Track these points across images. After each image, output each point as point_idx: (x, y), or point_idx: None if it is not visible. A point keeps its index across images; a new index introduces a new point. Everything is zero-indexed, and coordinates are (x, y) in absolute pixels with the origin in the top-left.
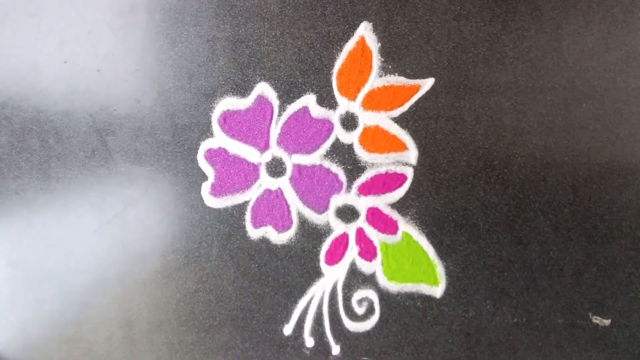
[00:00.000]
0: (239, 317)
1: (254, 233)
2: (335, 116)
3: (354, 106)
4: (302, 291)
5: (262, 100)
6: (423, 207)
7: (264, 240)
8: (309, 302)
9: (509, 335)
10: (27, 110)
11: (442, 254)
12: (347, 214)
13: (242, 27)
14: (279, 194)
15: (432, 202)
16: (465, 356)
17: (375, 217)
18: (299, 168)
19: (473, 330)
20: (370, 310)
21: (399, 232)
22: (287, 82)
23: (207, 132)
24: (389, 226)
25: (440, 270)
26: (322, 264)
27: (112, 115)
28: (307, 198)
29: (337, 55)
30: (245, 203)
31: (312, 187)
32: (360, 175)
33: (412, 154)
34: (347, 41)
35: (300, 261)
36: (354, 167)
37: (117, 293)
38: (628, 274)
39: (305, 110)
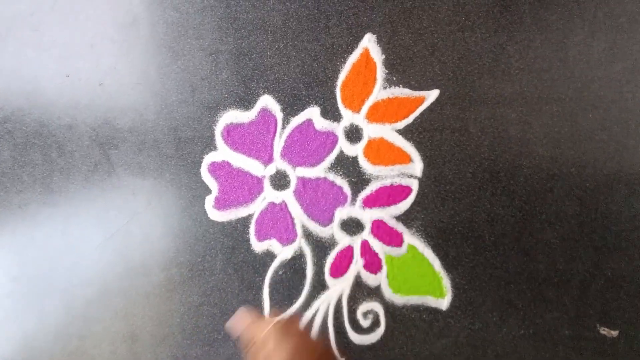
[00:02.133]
0: None
1: (258, 246)
2: (339, 128)
3: (359, 118)
4: (307, 304)
5: (265, 113)
6: (428, 219)
7: (268, 254)
8: (314, 315)
9: (515, 347)
10: (30, 125)
11: (448, 266)
12: (352, 226)
13: (245, 40)
14: (283, 207)
15: (438, 214)
16: None
17: (380, 229)
18: (303, 181)
19: (480, 343)
20: (375, 323)
21: (405, 245)
22: (291, 95)
23: (210, 146)
24: (394, 238)
25: (446, 282)
26: (327, 277)
27: (114, 128)
28: (312, 211)
29: (341, 68)
30: (250, 216)
31: (317, 199)
32: (365, 188)
33: (417, 166)
34: (351, 53)
35: (304, 274)
36: (358, 180)
37: (120, 307)
38: (636, 284)
39: (309, 122)
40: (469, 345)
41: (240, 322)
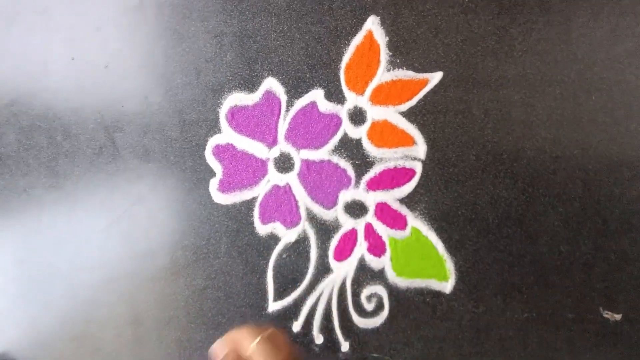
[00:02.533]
0: (248, 314)
1: (262, 229)
2: (343, 111)
3: (362, 101)
4: (311, 288)
5: (269, 95)
6: (432, 201)
7: (272, 237)
8: (318, 299)
9: (519, 330)
10: (35, 108)
11: (451, 249)
12: (356, 209)
13: (250, 22)
14: (287, 189)
15: (441, 196)
16: (475, 352)
17: (384, 212)
18: (307, 163)
19: (483, 326)
20: (379, 306)
21: (408, 227)
22: (295, 77)
23: (215, 128)
24: (397, 221)
25: (449, 265)
26: (331, 260)
27: (120, 111)
28: (316, 193)
29: (345, 50)
30: (254, 199)
31: (321, 182)
32: (368, 170)
33: (420, 149)
34: (354, 35)
35: (308, 257)
36: (362, 162)
37: (125, 290)
38: (639, 268)
39: (313, 105)
40: (472, 329)
41: (222, 346)
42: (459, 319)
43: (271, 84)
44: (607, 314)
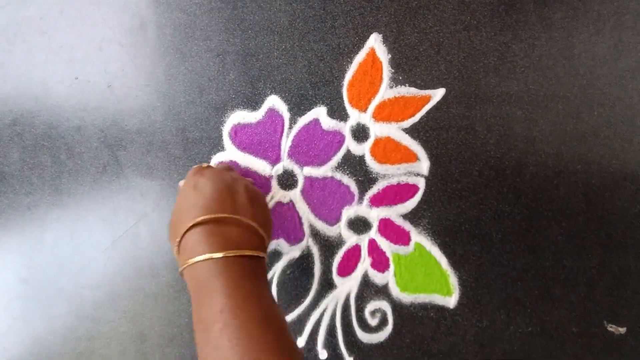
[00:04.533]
0: None
1: None
2: (346, 128)
3: (365, 117)
4: (315, 303)
5: (272, 113)
6: (435, 217)
7: (276, 253)
8: (322, 314)
9: (523, 344)
10: (39, 127)
11: (455, 264)
12: (359, 225)
13: (252, 40)
14: (290, 206)
15: (445, 212)
16: None
17: (388, 228)
18: (310, 180)
19: (487, 340)
20: (383, 322)
21: (412, 243)
22: (298, 95)
23: (218, 146)
24: (401, 237)
25: (453, 280)
26: (335, 276)
27: (123, 130)
28: (319, 210)
29: (348, 67)
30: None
31: (324, 199)
32: (372, 187)
33: (423, 165)
34: (357, 53)
35: (312, 273)
36: (365, 179)
37: (129, 308)
38: None
39: (316, 122)
40: (476, 343)
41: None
42: (463, 334)
43: (274, 101)
44: (612, 328)
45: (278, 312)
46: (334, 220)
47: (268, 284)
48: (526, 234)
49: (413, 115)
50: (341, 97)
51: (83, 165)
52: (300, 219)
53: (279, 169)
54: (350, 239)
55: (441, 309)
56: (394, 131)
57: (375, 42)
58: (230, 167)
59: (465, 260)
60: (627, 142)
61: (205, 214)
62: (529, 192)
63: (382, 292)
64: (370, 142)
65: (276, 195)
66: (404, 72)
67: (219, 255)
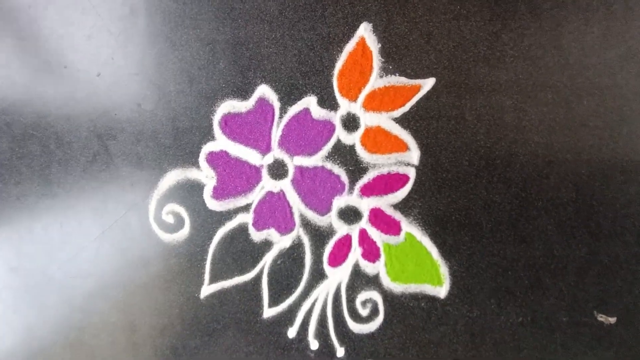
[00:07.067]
0: (243, 320)
1: (256, 236)
2: (336, 117)
3: (355, 107)
4: (305, 293)
5: (263, 102)
6: (426, 207)
7: (267, 243)
8: (313, 305)
9: (514, 334)
10: (28, 116)
11: (445, 253)
12: (350, 215)
13: (242, 29)
14: (281, 196)
15: (435, 202)
16: (470, 356)
17: (378, 218)
18: (300, 170)
19: (478, 330)
20: (374, 312)
21: (402, 233)
22: (288, 84)
23: (208, 136)
24: (391, 227)
25: (444, 270)
26: (326, 266)
27: (113, 119)
28: (310, 200)
29: (338, 57)
30: (248, 206)
31: (315, 188)
32: (362, 176)
33: (414, 154)
34: (347, 42)
35: (303, 263)
36: (355, 168)
37: (119, 298)
38: (632, 271)
39: (306, 111)
40: (467, 333)
41: None
42: (454, 324)
43: (264, 91)
44: (602, 318)
45: None
46: (324, 210)
47: None
48: (516, 223)
49: (403, 104)
50: (331, 87)
51: (73, 155)
52: (290, 208)
53: (269, 158)
54: (341, 228)
55: (432, 299)
56: (384, 121)
57: (365, 31)
58: None
59: (455, 250)
60: (616, 132)
61: None
62: (519, 182)
63: (373, 282)
64: (360, 131)
65: (267, 185)
66: (394, 61)
67: None
